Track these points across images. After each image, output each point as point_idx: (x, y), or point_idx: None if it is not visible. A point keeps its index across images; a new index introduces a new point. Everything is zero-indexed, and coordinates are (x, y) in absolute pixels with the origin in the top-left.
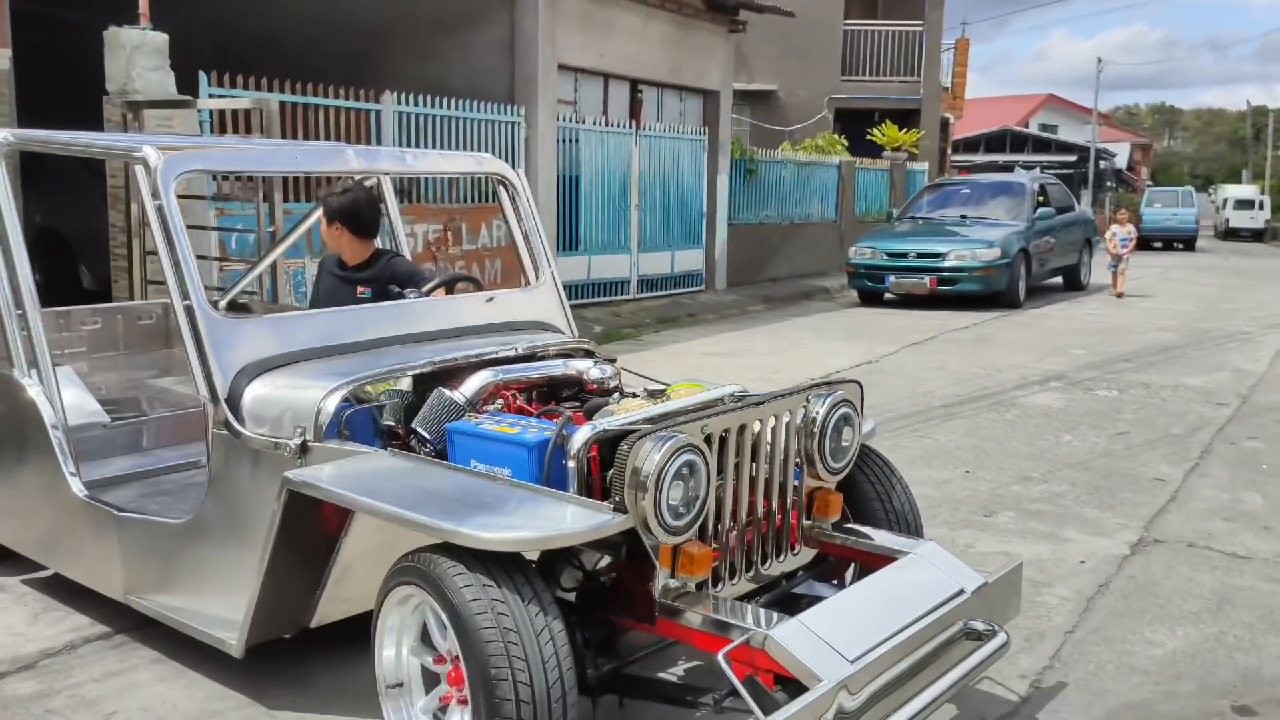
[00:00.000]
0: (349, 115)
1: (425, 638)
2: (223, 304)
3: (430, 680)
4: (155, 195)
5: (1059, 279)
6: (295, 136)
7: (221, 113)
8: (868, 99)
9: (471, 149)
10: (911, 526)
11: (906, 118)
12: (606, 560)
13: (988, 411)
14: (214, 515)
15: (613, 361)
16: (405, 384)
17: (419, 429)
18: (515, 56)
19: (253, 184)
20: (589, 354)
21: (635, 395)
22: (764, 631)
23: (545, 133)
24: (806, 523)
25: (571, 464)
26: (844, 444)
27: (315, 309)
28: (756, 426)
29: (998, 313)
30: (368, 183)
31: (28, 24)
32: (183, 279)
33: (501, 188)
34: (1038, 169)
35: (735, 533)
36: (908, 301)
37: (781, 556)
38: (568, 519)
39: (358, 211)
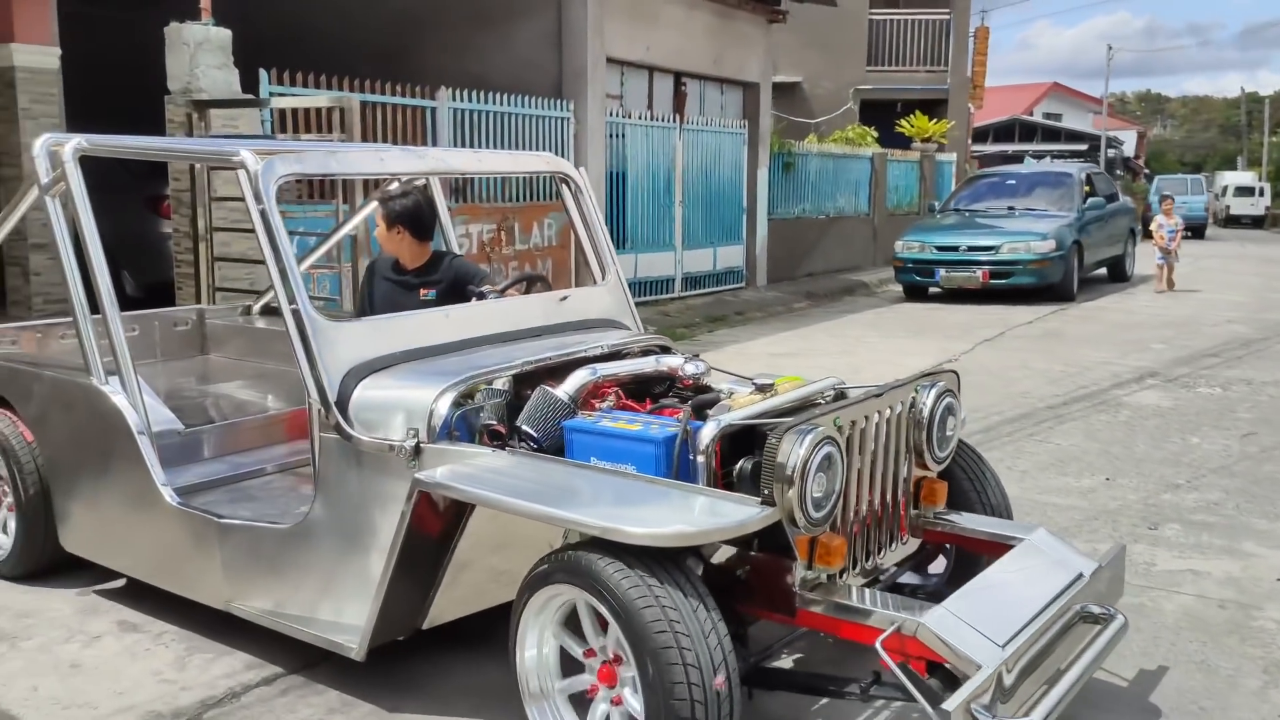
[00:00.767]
0: (405, 112)
1: (571, 630)
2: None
3: (570, 668)
4: (259, 200)
5: (1103, 271)
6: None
7: (282, 111)
8: (893, 89)
9: (520, 146)
10: (1007, 514)
11: (932, 108)
12: (732, 554)
13: (1097, 413)
14: (323, 519)
15: (697, 356)
16: (501, 383)
17: (525, 427)
18: (563, 49)
19: (300, 185)
20: (665, 349)
21: (735, 392)
22: (916, 620)
23: (595, 128)
24: (913, 512)
25: (700, 459)
26: (949, 433)
27: (377, 314)
28: (875, 418)
29: (1053, 306)
30: (417, 182)
31: (76, 23)
32: (289, 283)
33: (564, 186)
34: (1048, 158)
35: (857, 524)
36: (954, 296)
37: (893, 545)
38: (720, 513)
39: (419, 215)
